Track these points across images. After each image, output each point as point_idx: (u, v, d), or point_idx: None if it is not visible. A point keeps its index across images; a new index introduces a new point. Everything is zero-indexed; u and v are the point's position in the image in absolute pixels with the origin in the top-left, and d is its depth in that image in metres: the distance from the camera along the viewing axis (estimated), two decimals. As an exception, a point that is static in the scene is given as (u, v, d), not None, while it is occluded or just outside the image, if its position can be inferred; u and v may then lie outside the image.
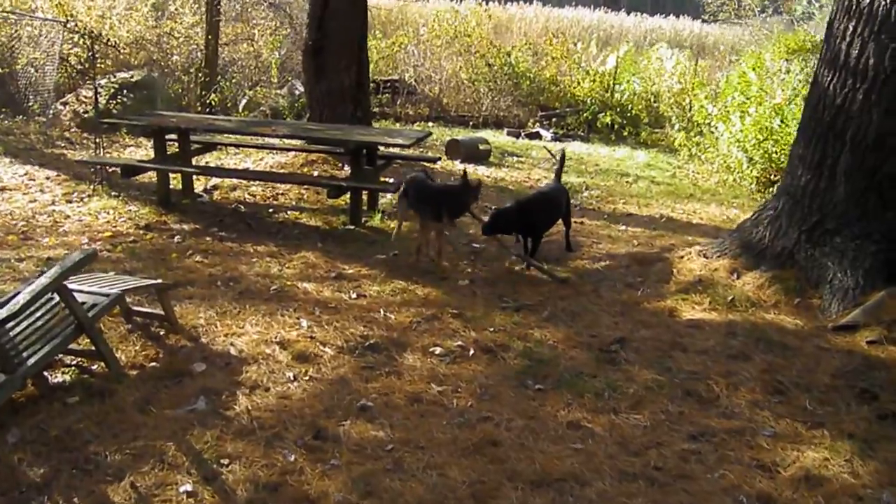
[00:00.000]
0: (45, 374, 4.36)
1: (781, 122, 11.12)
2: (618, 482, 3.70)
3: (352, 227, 7.94)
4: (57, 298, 4.25)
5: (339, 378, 4.63)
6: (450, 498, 3.52)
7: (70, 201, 8.47)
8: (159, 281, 5.23)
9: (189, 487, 3.47)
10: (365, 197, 8.40)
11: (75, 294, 4.30)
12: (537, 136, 15.45)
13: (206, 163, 10.08)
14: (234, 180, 9.41)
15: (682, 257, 6.87)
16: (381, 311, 5.65)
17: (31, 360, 4.00)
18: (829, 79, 5.91)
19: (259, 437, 3.92)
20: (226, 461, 3.71)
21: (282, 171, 10.02)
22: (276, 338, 5.08)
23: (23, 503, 3.34)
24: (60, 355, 4.47)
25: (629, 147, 14.78)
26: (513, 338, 5.31)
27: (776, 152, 11.14)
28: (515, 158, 12.71)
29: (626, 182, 11.39)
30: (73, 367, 4.60)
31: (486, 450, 3.93)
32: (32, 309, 4.18)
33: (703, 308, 5.84)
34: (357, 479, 3.63)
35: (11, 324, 4.02)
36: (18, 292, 4.30)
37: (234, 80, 15.69)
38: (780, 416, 4.34)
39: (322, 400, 4.35)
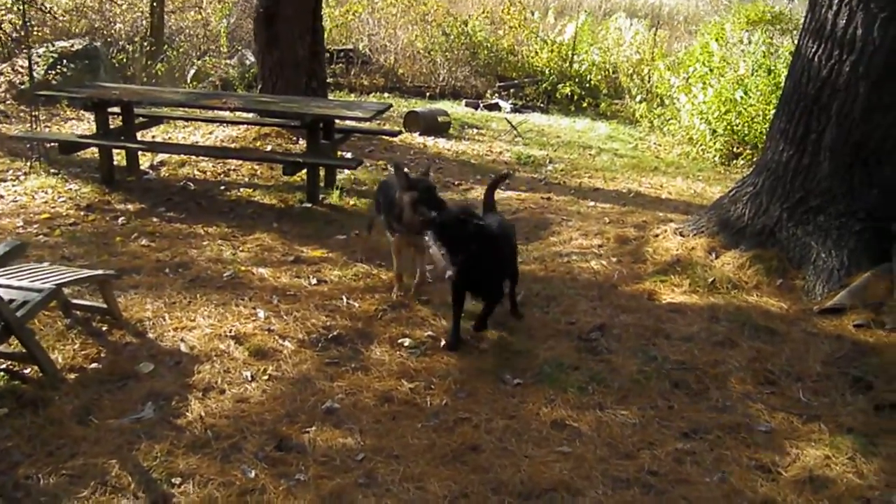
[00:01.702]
0: (-30, 381, 3.92)
1: (744, 93, 10.93)
2: (611, 490, 3.41)
3: (309, 205, 7.51)
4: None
5: (301, 376, 4.25)
6: (429, 517, 3.19)
7: (4, 180, 7.88)
8: (100, 271, 4.75)
9: (131, 511, 3.08)
10: (322, 173, 7.97)
11: (3, 290, 3.85)
12: (496, 107, 15.09)
13: (153, 137, 9.56)
14: (183, 156, 8.87)
15: (657, 235, 6.59)
16: (344, 299, 5.26)
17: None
18: (813, 50, 5.61)
19: (214, 449, 3.53)
20: (177, 480, 3.31)
21: (233, 145, 9.50)
22: (230, 331, 4.67)
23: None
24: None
25: (589, 118, 14.51)
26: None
27: (739, 124, 10.96)
28: (476, 130, 12.34)
29: (590, 155, 11.11)
30: (1, 373, 4.12)
31: (466, 457, 3.60)
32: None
33: (682, 290, 5.57)
34: (326, 496, 3.26)
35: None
36: (-63, 290, 3.84)
37: (181, 50, 14.99)
38: (775, 409, 4.09)
39: (283, 403, 3.97)
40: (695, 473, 3.54)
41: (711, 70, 11.69)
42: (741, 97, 10.89)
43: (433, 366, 4.46)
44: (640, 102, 14.10)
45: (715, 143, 11.26)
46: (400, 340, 4.72)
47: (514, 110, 14.91)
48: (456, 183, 8.86)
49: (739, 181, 6.56)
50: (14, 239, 5.10)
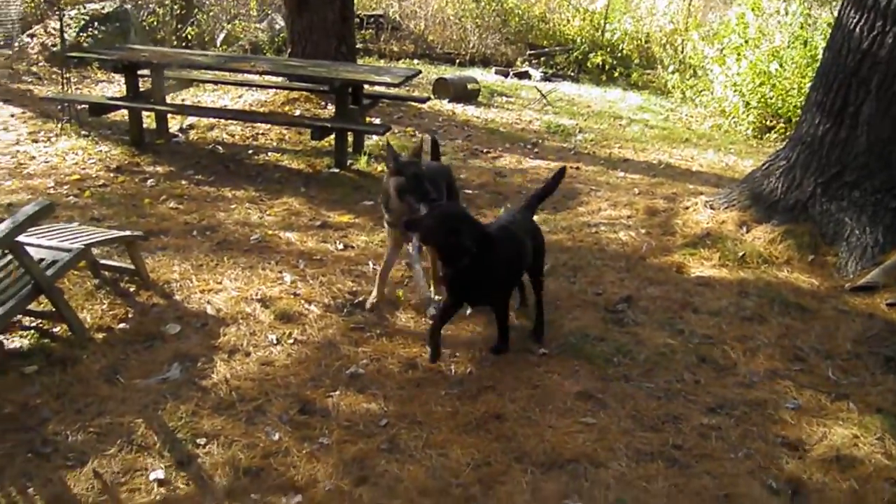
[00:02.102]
0: (1, 338, 3.95)
1: (780, 65, 10.71)
2: (635, 463, 3.38)
3: (336, 170, 7.48)
4: (10, 256, 3.81)
5: (326, 341, 4.25)
6: (453, 484, 3.18)
7: (36, 141, 7.93)
8: (128, 233, 4.76)
9: (160, 474, 3.09)
10: (350, 138, 7.93)
11: (33, 249, 3.87)
12: (526, 75, 14.94)
13: (182, 100, 9.57)
14: (212, 119, 8.87)
15: (687, 208, 6.51)
16: (370, 264, 5.25)
17: (-16, 325, 3.59)
18: (855, 20, 5.46)
19: (239, 411, 3.54)
20: (202, 441, 3.32)
21: (262, 109, 9.48)
22: (256, 295, 4.67)
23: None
24: (18, 317, 4.03)
25: (620, 88, 14.33)
26: (513, 295, 4.93)
27: (773, 97, 10.76)
28: (505, 99, 12.23)
29: (620, 125, 10.98)
30: (31, 331, 4.16)
31: (489, 425, 3.59)
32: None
33: (712, 264, 5.50)
34: (349, 460, 3.27)
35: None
36: (-31, 248, 3.87)
37: (211, 14, 14.97)
38: (803, 386, 4.03)
39: (308, 367, 3.97)
40: (720, 449, 3.50)
41: (746, 41, 11.45)
42: (776, 69, 10.69)
43: (458, 334, 4.44)
44: (673, 73, 13.90)
45: (748, 116, 11.08)
46: (425, 308, 4.70)
47: (545, 79, 14.76)
48: (485, 151, 8.79)
49: (773, 154, 6.44)
50: (44, 199, 5.13)
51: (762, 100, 10.88)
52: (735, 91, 11.28)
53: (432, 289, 4.51)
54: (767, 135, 10.80)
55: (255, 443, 3.33)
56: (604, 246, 5.85)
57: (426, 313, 4.30)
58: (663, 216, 6.48)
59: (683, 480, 3.28)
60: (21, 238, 3.72)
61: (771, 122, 10.93)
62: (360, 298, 4.75)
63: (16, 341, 4.06)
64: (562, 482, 3.23)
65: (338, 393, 3.77)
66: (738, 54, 11.38)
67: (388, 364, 4.07)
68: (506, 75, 14.82)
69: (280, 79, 9.18)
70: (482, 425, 3.59)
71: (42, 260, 3.92)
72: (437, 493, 3.12)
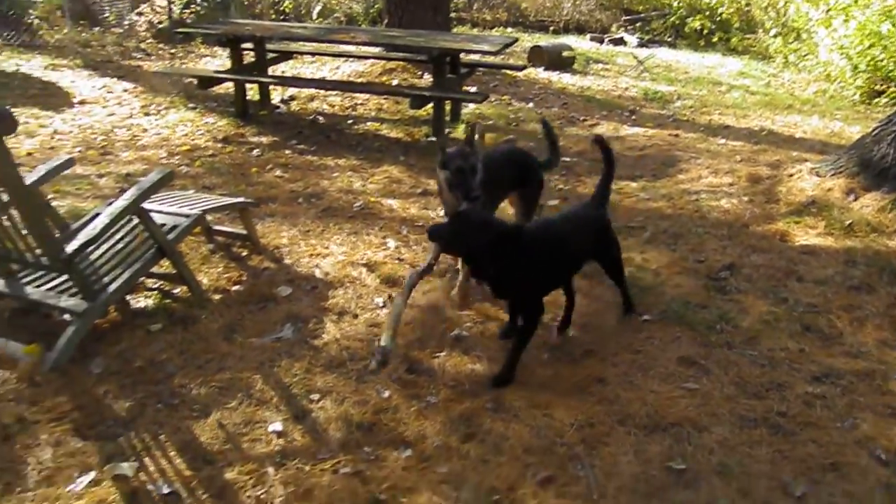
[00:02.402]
0: (128, 299, 4.21)
1: (892, 26, 10.23)
2: (738, 428, 3.37)
3: (434, 138, 7.58)
4: (136, 221, 4.05)
5: (430, 304, 4.36)
6: (557, 443, 3.25)
7: (148, 114, 8.30)
8: (241, 199, 4.98)
9: (279, 426, 3.26)
10: (447, 107, 8.00)
11: (155, 215, 4.09)
12: (622, 41, 14.72)
13: (283, 72, 9.80)
14: (312, 90, 9.09)
15: (791, 175, 6.35)
16: (470, 231, 5.33)
17: (113, 286, 3.83)
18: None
19: (350, 369, 3.69)
20: (316, 396, 3.49)
21: (360, 80, 9.65)
22: (362, 259, 4.83)
23: (109, 438, 3.19)
24: (142, 279, 4.29)
25: (720, 54, 13.96)
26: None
27: (884, 60, 10.29)
28: (601, 66, 12.08)
29: (720, 91, 10.71)
30: (155, 292, 4.42)
31: (592, 388, 3.63)
32: (111, 233, 4.00)
33: (817, 232, 5.37)
34: (456, 418, 3.37)
35: (91, 248, 3.84)
36: (97, 215, 4.12)
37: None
38: (914, 357, 3.93)
39: (414, 328, 4.09)
40: (825, 418, 3.46)
41: (856, 1, 10.98)
42: (888, 30, 10.22)
43: (560, 300, 4.48)
44: (775, 37, 13.45)
45: (855, 81, 10.65)
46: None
47: (641, 45, 14.50)
48: (581, 119, 8.75)
49: (884, 120, 6.20)
50: (164, 168, 5.39)
51: (871, 63, 10.43)
52: (842, 54, 10.86)
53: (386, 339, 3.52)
54: (877, 100, 10.37)
55: (366, 399, 3.47)
56: (705, 213, 5.78)
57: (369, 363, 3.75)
58: (766, 184, 6.34)
59: (788, 447, 3.26)
60: (145, 204, 3.94)
61: (881, 86, 10.48)
62: (462, 264, 4.84)
63: (141, 301, 4.32)
64: (665, 445, 3.26)
65: (443, 354, 3.87)
66: (846, 15, 10.93)
67: (491, 327, 4.15)
68: (601, 42, 14.62)
69: (377, 49, 9.32)
70: (584, 388, 3.63)
71: (163, 225, 4.15)
72: (542, 452, 3.20)
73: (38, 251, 3.60)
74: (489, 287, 3.76)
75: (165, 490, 2.91)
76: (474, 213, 3.70)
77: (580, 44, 13.92)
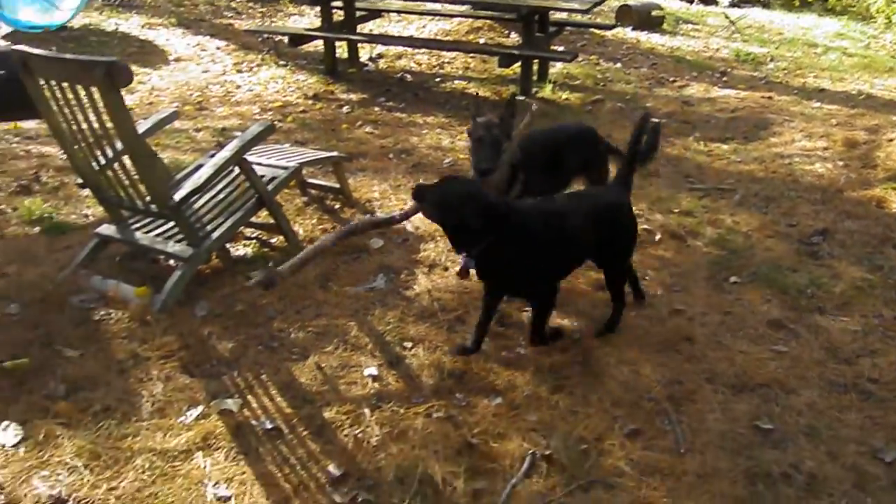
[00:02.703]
0: (228, 247, 4.37)
1: None
2: (827, 393, 3.33)
3: (522, 97, 7.55)
4: (237, 171, 4.19)
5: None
6: (644, 398, 3.28)
7: (240, 71, 8.50)
8: (335, 153, 5.10)
9: (374, 371, 3.38)
10: (535, 66, 7.95)
11: (255, 167, 4.22)
12: (713, 1, 14.27)
13: (370, 30, 9.87)
14: (399, 48, 9.14)
15: (890, 140, 6.14)
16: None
17: (216, 234, 3.98)
18: None
19: (441, 320, 3.78)
20: (409, 344, 3.59)
21: (447, 38, 9.65)
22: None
23: (214, 376, 3.36)
24: (241, 228, 4.45)
25: (816, 14, 13.41)
26: (702, 223, 4.90)
27: None
28: (690, 26, 11.77)
29: (815, 53, 10.32)
30: (253, 241, 4.59)
31: (680, 346, 3.63)
32: (214, 182, 4.15)
33: (917, 198, 5.20)
34: (545, 370, 3.43)
35: (196, 197, 4.00)
36: (200, 165, 4.29)
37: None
38: None
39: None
40: (921, 385, 3.40)
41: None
42: None
43: (647, 258, 4.48)
44: (878, -5, 12.87)
45: (965, 40, 10.15)
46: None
47: (732, 5, 14.05)
48: (671, 79, 8.57)
49: None
50: (266, 121, 5.55)
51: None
52: (952, 12, 10.35)
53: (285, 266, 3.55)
54: None
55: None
56: (798, 177, 5.64)
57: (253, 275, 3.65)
58: (863, 149, 6.14)
59: (879, 413, 3.21)
60: (246, 156, 4.08)
61: None
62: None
63: (240, 249, 4.50)
64: (752, 404, 3.25)
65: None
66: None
67: (579, 284, 4.17)
68: (691, 1, 14.22)
69: (463, 7, 9.29)
70: (672, 346, 3.64)
71: (263, 176, 4.28)
72: (629, 405, 3.23)
73: (147, 199, 3.78)
74: (479, 272, 3.38)
75: (268, 426, 3.06)
76: (463, 182, 3.36)
77: (669, 3, 13.55)
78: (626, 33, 10.73)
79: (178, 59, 8.94)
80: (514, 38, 9.38)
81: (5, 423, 3.02)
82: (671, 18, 11.81)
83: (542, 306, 3.52)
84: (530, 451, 2.93)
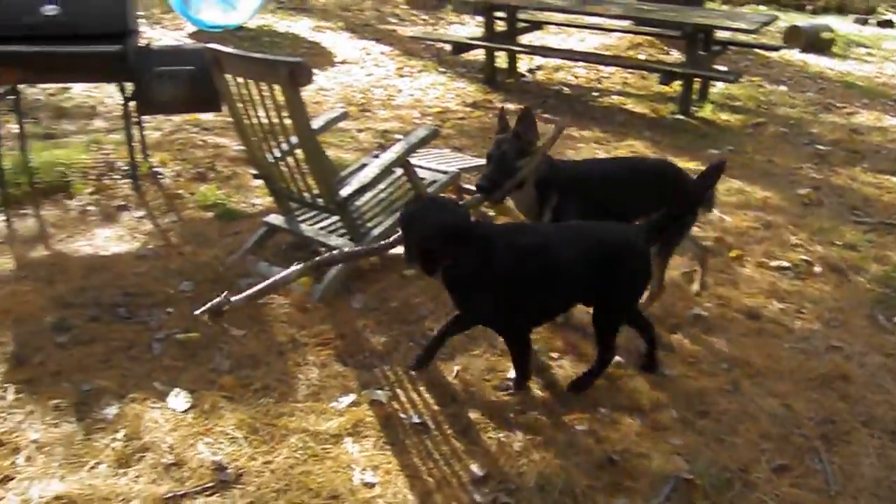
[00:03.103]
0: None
1: None
2: None
3: (681, 116, 7.44)
4: (400, 172, 4.34)
5: (670, 281, 4.34)
6: (795, 433, 3.17)
7: (402, 76, 8.76)
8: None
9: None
10: (695, 85, 7.80)
11: (416, 170, 4.36)
12: (889, 24, 13.53)
13: (530, 41, 9.94)
14: (558, 61, 9.17)
15: None
16: (716, 211, 5.21)
17: (376, 231, 4.14)
18: None
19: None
20: (555, 355, 3.62)
21: (607, 52, 9.60)
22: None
23: (367, 367, 3.49)
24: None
25: None
26: (866, 259, 4.69)
27: None
28: (863, 50, 11.24)
29: None
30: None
31: (835, 384, 3.50)
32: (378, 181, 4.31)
33: None
34: (692, 393, 3.38)
35: (360, 195, 4.17)
36: (364, 165, 4.47)
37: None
38: None
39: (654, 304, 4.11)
40: None
41: None
42: None
43: (805, 291, 4.34)
44: None
45: None
46: (771, 261, 4.62)
47: (914, 28, 13.30)
48: (839, 105, 8.22)
49: None
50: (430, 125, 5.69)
51: None
52: None
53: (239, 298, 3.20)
54: None
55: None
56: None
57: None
58: None
59: None
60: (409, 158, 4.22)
61: None
62: (705, 244, 4.76)
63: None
64: (913, 452, 3.10)
65: (682, 331, 3.87)
66: None
67: (731, 311, 4.09)
68: (864, 24, 13.55)
69: (625, 23, 9.22)
70: (827, 383, 3.51)
71: (423, 179, 4.41)
72: (778, 439, 3.14)
73: (315, 192, 3.97)
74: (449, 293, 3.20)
75: (415, 420, 3.16)
76: (437, 200, 3.21)
77: (841, 25, 12.96)
78: (793, 55, 10.37)
79: (343, 62, 9.30)
80: (676, 55, 9.24)
81: (177, 389, 3.26)
82: (842, 41, 11.32)
83: (509, 346, 3.30)
84: (673, 474, 2.90)
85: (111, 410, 3.16)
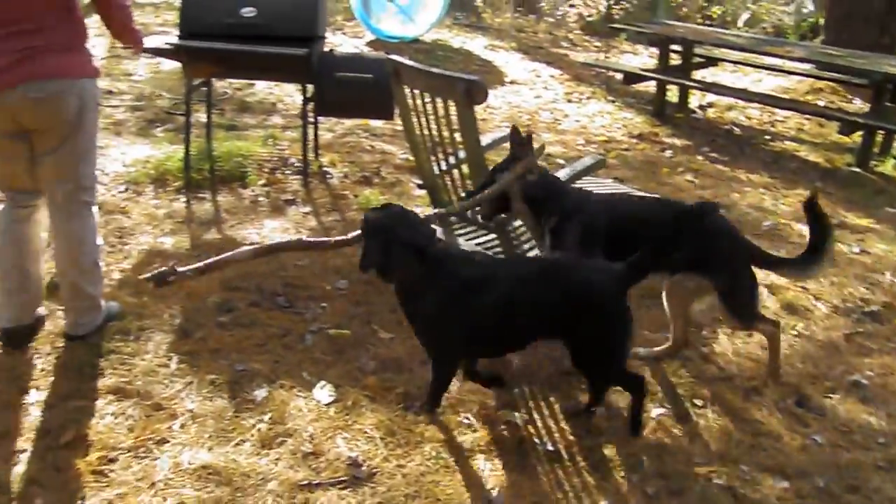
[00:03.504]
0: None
1: None
2: None
3: (857, 169, 7.06)
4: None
5: (829, 342, 4.15)
6: (959, 526, 2.95)
7: (570, 101, 8.77)
8: (657, 197, 5.09)
9: (659, 419, 3.36)
10: (878, 138, 7.38)
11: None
12: None
13: (703, 77, 9.72)
14: (731, 100, 8.91)
15: None
16: (887, 275, 4.94)
17: (530, 254, 4.15)
18: None
19: (736, 385, 3.66)
20: (699, 402, 3.51)
21: (784, 95, 9.25)
22: (766, 279, 4.67)
23: (507, 387, 3.50)
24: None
25: None
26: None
27: None
28: None
29: None
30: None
31: None
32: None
33: None
34: (842, 465, 3.19)
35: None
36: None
37: (743, -8, 14.85)
38: None
39: (808, 362, 3.92)
40: None
41: None
42: None
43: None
44: None
45: None
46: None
47: None
48: None
49: None
50: (598, 154, 5.69)
51: None
52: None
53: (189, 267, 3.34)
54: None
55: (749, 419, 3.42)
56: None
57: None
58: None
59: None
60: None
61: None
62: (872, 308, 4.51)
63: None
64: None
65: (836, 396, 3.67)
66: None
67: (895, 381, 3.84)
68: None
69: (805, 66, 8.84)
70: None
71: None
72: (936, 529, 2.93)
73: (476, 209, 4.03)
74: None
75: (549, 447, 3.15)
76: (404, 211, 3.17)
77: None
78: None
79: (513, 82, 9.41)
80: (858, 104, 8.78)
81: (323, 382, 3.39)
82: None
83: (434, 368, 3.26)
84: (814, 547, 2.76)
85: (260, 393, 3.34)
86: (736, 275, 3.47)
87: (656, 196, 4.39)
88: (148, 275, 3.19)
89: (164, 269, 3.16)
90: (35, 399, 3.24)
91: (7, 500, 2.73)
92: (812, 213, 3.40)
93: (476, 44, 11.34)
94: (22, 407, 3.19)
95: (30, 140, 3.30)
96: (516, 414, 3.32)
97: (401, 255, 3.01)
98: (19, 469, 2.87)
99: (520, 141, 3.68)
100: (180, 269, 3.19)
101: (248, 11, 5.11)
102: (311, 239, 4.05)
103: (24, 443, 3.00)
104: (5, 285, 3.52)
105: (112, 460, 2.92)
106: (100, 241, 3.67)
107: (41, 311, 3.71)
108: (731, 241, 3.52)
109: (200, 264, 3.31)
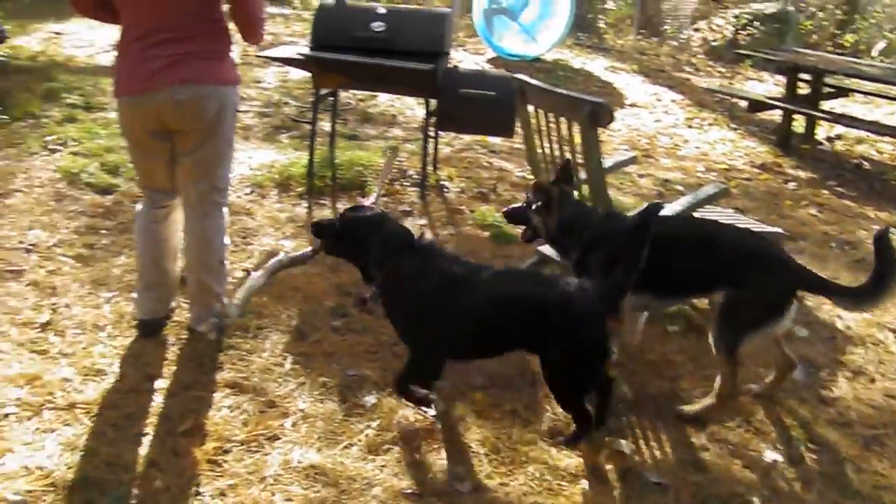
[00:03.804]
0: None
1: None
2: None
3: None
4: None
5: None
6: None
7: (691, 127, 8.61)
8: (778, 229, 4.93)
9: (773, 461, 3.25)
10: None
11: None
12: None
13: (832, 108, 9.37)
14: (861, 133, 8.55)
15: None
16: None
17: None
18: None
19: (855, 433, 3.50)
20: (813, 446, 3.38)
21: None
22: (892, 323, 4.49)
23: (616, 415, 3.44)
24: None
25: None
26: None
27: None
28: None
29: None
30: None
31: None
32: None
33: None
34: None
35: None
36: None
37: (873, 21, 14.22)
38: None
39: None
40: None
41: None
42: None
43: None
44: None
45: None
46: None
47: None
48: None
49: None
50: (721, 183, 5.55)
51: None
52: None
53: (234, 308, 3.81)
54: None
55: (868, 469, 3.26)
56: None
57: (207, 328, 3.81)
58: None
59: None
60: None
61: None
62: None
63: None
64: None
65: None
66: None
67: None
68: None
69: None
70: None
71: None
72: None
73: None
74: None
75: (654, 479, 3.08)
76: (365, 210, 3.36)
77: None
78: None
79: (633, 105, 9.31)
80: None
81: (433, 395, 3.43)
82: None
83: (413, 361, 3.25)
84: None
85: (370, 399, 3.41)
86: (748, 299, 3.28)
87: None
88: (211, 330, 3.74)
89: (217, 318, 3.70)
90: (158, 386, 3.41)
91: (130, 479, 2.87)
92: (882, 244, 3.16)
93: (597, 65, 11.28)
94: (146, 393, 3.36)
95: (172, 140, 3.49)
96: (623, 442, 3.28)
97: (381, 249, 3.17)
98: (142, 451, 3.02)
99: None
100: (229, 313, 3.73)
101: (377, 26, 5.25)
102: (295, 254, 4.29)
103: (147, 427, 3.16)
104: (143, 280, 3.74)
105: (226, 451, 3.04)
106: (227, 240, 3.83)
107: (174, 304, 3.90)
108: (768, 262, 3.33)
109: (240, 302, 3.79)
